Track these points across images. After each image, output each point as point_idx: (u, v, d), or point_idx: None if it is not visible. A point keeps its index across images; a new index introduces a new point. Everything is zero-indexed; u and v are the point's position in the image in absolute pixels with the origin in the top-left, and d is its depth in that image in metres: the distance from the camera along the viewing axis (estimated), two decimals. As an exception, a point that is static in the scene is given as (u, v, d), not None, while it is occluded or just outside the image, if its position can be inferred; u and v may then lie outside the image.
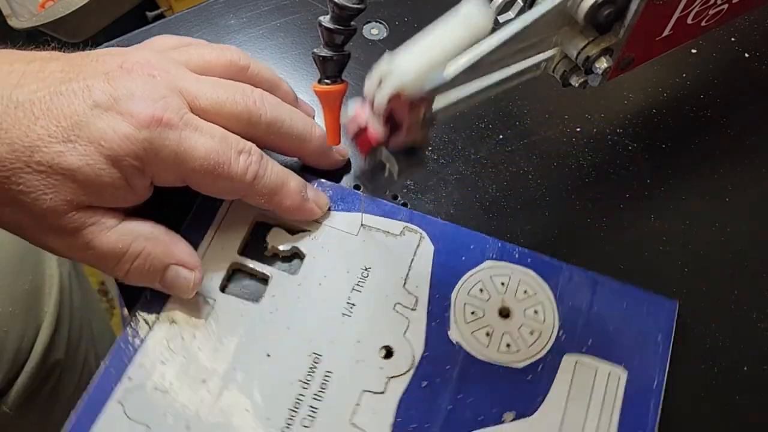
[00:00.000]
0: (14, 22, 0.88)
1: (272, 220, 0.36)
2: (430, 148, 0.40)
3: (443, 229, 0.36)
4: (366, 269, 0.35)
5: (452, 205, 0.38)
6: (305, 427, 0.31)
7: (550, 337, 0.33)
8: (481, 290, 0.34)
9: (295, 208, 0.35)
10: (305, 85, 0.43)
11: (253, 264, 0.35)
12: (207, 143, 0.32)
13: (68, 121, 0.30)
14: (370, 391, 0.32)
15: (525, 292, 0.34)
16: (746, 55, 0.45)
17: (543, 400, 0.32)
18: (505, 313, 0.34)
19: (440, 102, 0.29)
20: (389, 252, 0.35)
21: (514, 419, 0.31)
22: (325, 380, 0.32)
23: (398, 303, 0.34)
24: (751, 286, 0.37)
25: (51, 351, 0.51)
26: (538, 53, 0.31)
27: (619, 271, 0.37)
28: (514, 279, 0.35)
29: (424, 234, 0.36)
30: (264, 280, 0.35)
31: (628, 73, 0.33)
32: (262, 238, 0.36)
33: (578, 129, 0.41)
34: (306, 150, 0.36)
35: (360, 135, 0.28)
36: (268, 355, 0.32)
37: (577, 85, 0.32)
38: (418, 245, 0.36)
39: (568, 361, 0.33)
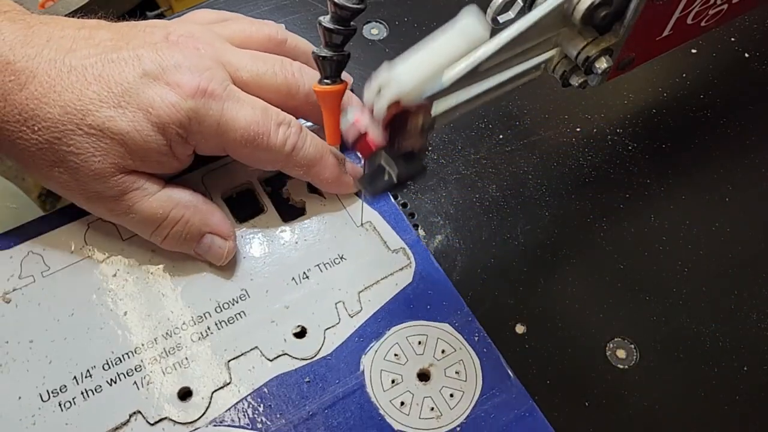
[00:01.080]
0: (14, 22, 0.88)
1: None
2: (430, 148, 0.40)
3: (433, 273, 0.35)
4: (341, 258, 0.36)
5: (452, 205, 0.38)
6: (192, 341, 0.33)
7: (449, 425, 0.31)
8: (420, 343, 0.33)
9: (333, 180, 0.36)
10: (305, 85, 0.43)
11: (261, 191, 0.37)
12: (248, 114, 0.33)
13: (119, 88, 0.31)
14: (261, 351, 0.33)
15: (457, 372, 0.32)
16: (746, 55, 0.45)
17: None
18: (424, 377, 0.32)
19: (439, 107, 0.29)
20: (371, 259, 0.36)
21: None
22: (235, 317, 0.33)
23: (342, 302, 0.34)
24: (751, 286, 0.37)
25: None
26: (537, 55, 0.31)
27: (619, 271, 0.37)
28: (457, 355, 0.33)
29: (413, 264, 0.35)
30: (260, 211, 0.37)
31: (628, 73, 0.33)
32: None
33: (578, 129, 0.41)
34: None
35: (360, 141, 0.28)
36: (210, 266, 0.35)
37: (577, 85, 0.32)
38: (401, 270, 0.35)
39: None
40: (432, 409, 0.32)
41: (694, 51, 0.45)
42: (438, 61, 0.26)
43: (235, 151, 0.34)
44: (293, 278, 0.35)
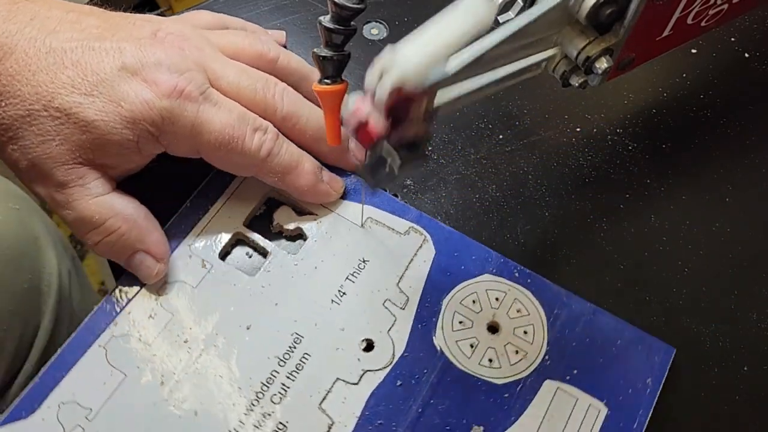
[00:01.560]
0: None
1: (284, 198, 0.37)
2: (430, 148, 0.40)
3: (448, 235, 0.36)
4: (363, 261, 0.35)
5: (452, 205, 0.38)
6: (274, 403, 0.31)
7: (535, 359, 0.33)
8: (474, 302, 0.34)
9: (308, 188, 0.35)
10: (305, 85, 0.43)
11: (255, 237, 0.35)
12: (224, 117, 0.33)
13: (94, 77, 0.31)
14: (343, 380, 0.32)
15: (518, 311, 0.34)
16: (746, 55, 0.45)
17: (515, 421, 0.32)
18: (493, 329, 0.34)
19: (442, 97, 0.28)
20: (390, 249, 0.36)
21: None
22: (301, 362, 0.32)
23: (388, 299, 0.34)
24: (751, 286, 0.37)
25: (50, 351, 0.51)
26: (539, 52, 0.31)
27: (619, 271, 0.37)
28: (509, 296, 0.34)
29: (428, 237, 0.36)
30: (264, 254, 0.35)
31: (628, 73, 0.33)
32: (271, 215, 0.36)
33: (578, 129, 0.41)
34: (321, 149, 0.37)
35: (361, 129, 0.27)
36: (248, 328, 0.33)
37: (577, 85, 0.32)
38: (420, 247, 0.36)
39: (549, 386, 0.32)
40: (516, 352, 0.33)
41: (694, 51, 0.45)
42: (442, 44, 0.25)
43: (209, 154, 0.33)
44: (332, 300, 0.34)
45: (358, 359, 0.33)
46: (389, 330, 0.33)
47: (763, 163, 0.40)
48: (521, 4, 0.30)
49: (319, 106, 0.35)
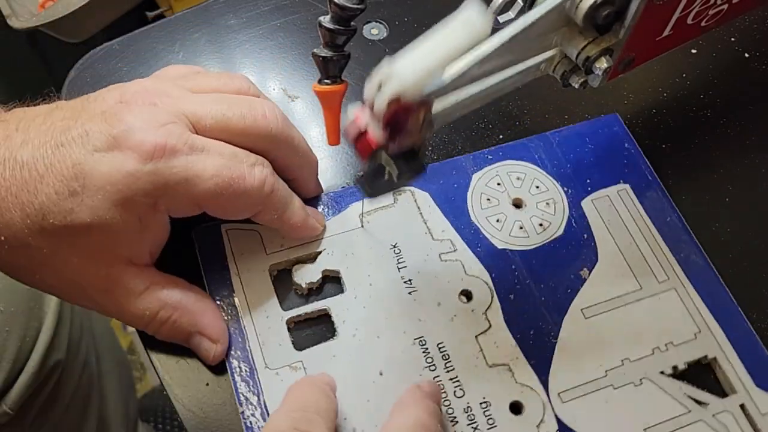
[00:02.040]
0: (14, 22, 0.88)
1: (285, 263, 0.35)
2: (430, 149, 0.40)
3: (424, 174, 0.36)
4: (393, 246, 0.36)
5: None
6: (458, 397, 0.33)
7: (562, 217, 0.37)
8: (498, 183, 0.38)
9: (301, 223, 0.34)
10: (305, 85, 0.43)
11: (304, 311, 0.34)
12: (216, 162, 0.31)
13: (71, 172, 0.29)
14: (481, 333, 0.34)
15: (537, 187, 0.38)
16: (746, 55, 0.45)
17: (596, 245, 0.36)
18: (518, 206, 0.38)
19: (440, 105, 0.29)
20: (399, 220, 0.37)
21: (589, 272, 0.35)
22: (443, 351, 0.33)
23: (441, 254, 0.35)
24: (751, 287, 0.37)
25: (52, 351, 0.51)
26: (538, 55, 0.31)
27: (619, 271, 0.37)
28: (528, 176, 0.38)
29: (413, 188, 0.38)
30: (324, 315, 0.35)
31: (628, 73, 0.33)
32: (288, 285, 0.35)
33: (578, 129, 0.41)
34: (303, 169, 0.36)
35: (360, 139, 0.28)
36: (381, 374, 0.32)
37: (577, 85, 0.32)
38: (416, 199, 0.37)
39: (586, 204, 0.37)
40: (540, 224, 0.37)
41: (694, 51, 0.45)
42: (439, 56, 0.26)
43: (210, 203, 0.31)
44: (409, 293, 0.34)
45: (472, 310, 0.34)
46: (466, 272, 0.35)
47: (763, 163, 0.40)
48: (521, 4, 0.30)
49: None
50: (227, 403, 0.33)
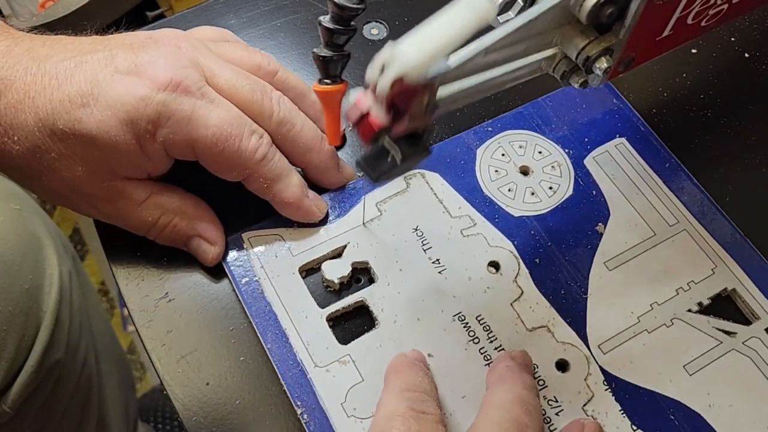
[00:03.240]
0: (14, 22, 0.88)
1: (313, 262, 0.36)
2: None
3: (431, 155, 0.37)
4: (415, 229, 0.36)
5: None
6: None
7: (569, 178, 0.38)
8: (503, 154, 0.39)
9: (294, 201, 0.35)
10: (305, 85, 0.43)
11: (341, 305, 0.35)
12: (221, 115, 0.32)
13: (88, 86, 0.31)
14: (515, 300, 0.35)
15: (540, 153, 0.39)
16: (746, 55, 0.45)
17: (605, 199, 0.38)
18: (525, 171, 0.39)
19: (444, 91, 0.28)
20: (415, 204, 0.37)
21: (605, 226, 0.37)
22: (482, 323, 0.34)
23: (462, 230, 0.36)
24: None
25: (51, 350, 0.51)
26: (539, 51, 0.31)
27: (619, 271, 0.37)
28: (530, 143, 0.39)
29: (422, 170, 0.38)
30: (361, 307, 0.35)
31: (628, 73, 0.33)
32: (319, 283, 0.36)
33: (578, 129, 0.41)
34: (310, 161, 0.36)
35: (362, 121, 0.27)
36: (431, 355, 0.33)
37: (577, 85, 0.32)
38: (427, 181, 0.38)
39: (589, 162, 0.39)
40: (550, 187, 0.38)
41: (694, 51, 0.45)
42: (444, 37, 0.25)
43: (205, 152, 0.33)
44: (439, 273, 0.35)
45: (499, 280, 0.35)
46: (490, 245, 0.36)
47: (763, 163, 0.40)
48: (521, 4, 0.30)
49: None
50: (227, 403, 0.33)
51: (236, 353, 0.34)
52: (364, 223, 0.36)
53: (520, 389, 0.30)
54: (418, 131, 0.28)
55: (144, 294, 0.35)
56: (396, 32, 0.45)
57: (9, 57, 0.32)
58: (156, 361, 0.34)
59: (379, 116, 0.27)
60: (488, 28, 0.27)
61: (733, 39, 0.45)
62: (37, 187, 0.34)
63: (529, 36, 0.29)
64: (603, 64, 0.30)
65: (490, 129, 0.40)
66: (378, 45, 0.44)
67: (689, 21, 0.32)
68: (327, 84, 0.34)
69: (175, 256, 0.36)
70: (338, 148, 0.39)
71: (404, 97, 0.26)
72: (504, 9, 0.30)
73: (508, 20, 0.30)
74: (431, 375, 0.32)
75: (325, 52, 0.33)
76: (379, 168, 0.29)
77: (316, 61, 0.34)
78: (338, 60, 0.33)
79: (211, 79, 0.33)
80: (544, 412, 0.32)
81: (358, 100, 0.27)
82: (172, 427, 0.89)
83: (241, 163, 0.33)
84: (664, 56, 0.34)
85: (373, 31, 0.45)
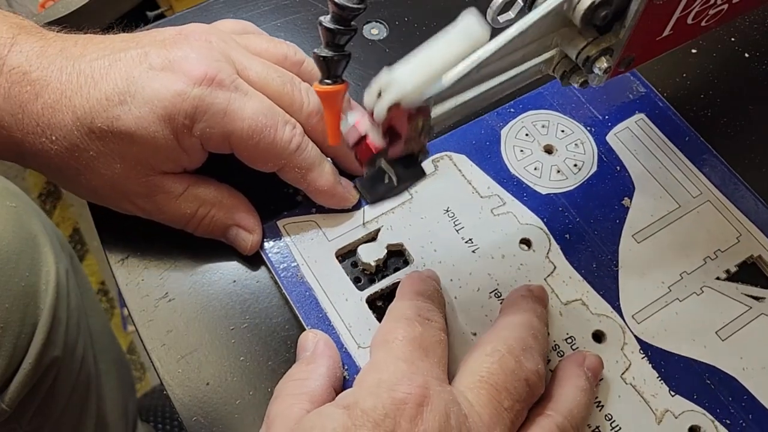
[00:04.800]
0: (14, 21, 0.88)
1: (349, 246, 0.36)
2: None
3: (455, 138, 0.40)
4: (446, 210, 0.37)
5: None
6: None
7: (592, 155, 0.39)
8: (527, 134, 0.40)
9: (328, 188, 0.36)
10: (305, 85, 0.43)
11: (379, 287, 0.35)
12: (255, 107, 0.33)
13: (124, 83, 0.32)
14: (548, 276, 0.35)
15: (563, 131, 0.40)
16: (746, 55, 0.45)
17: (629, 174, 0.39)
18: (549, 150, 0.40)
19: (439, 109, 0.29)
20: (444, 186, 0.38)
21: (630, 200, 0.38)
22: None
23: (492, 209, 0.37)
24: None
25: (48, 348, 0.51)
26: (537, 56, 0.31)
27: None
28: (552, 122, 0.40)
29: (449, 153, 0.39)
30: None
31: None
32: (354, 266, 0.36)
33: (578, 129, 0.41)
34: (339, 150, 0.37)
35: (360, 143, 0.28)
36: (474, 333, 0.34)
37: (577, 85, 0.32)
38: (455, 163, 0.39)
39: (611, 138, 0.40)
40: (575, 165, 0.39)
41: (694, 51, 0.45)
42: (438, 63, 0.26)
43: (240, 144, 0.34)
44: (473, 252, 0.36)
45: (532, 257, 0.36)
46: (520, 222, 0.37)
47: (764, 163, 0.40)
48: (521, 4, 0.30)
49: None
50: (227, 403, 0.33)
51: (236, 353, 0.34)
52: (363, 224, 0.36)
53: (530, 315, 0.31)
54: (414, 153, 0.29)
55: (144, 294, 0.35)
56: (396, 32, 0.45)
57: (43, 58, 0.32)
58: (156, 361, 0.34)
59: (377, 139, 0.28)
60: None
61: (733, 39, 0.45)
62: (75, 187, 0.34)
63: (526, 44, 0.29)
64: (603, 64, 0.30)
65: (512, 110, 0.41)
66: (378, 45, 0.44)
67: (689, 21, 0.32)
68: (327, 84, 0.34)
69: (175, 256, 0.36)
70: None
71: (400, 121, 0.27)
72: (504, 9, 0.30)
73: (507, 20, 0.30)
74: (442, 292, 0.33)
75: (325, 53, 0.33)
76: (375, 191, 0.31)
77: (316, 61, 0.34)
78: (339, 60, 0.33)
79: (242, 72, 0.34)
80: None
81: (357, 122, 0.28)
82: (172, 427, 0.89)
83: (276, 154, 0.34)
84: (664, 56, 0.34)
85: (373, 31, 0.45)
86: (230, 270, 0.36)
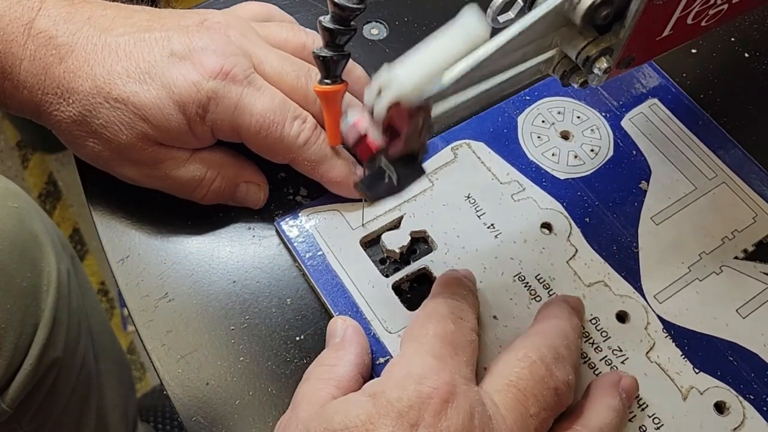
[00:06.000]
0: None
1: (372, 234, 0.36)
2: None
3: (473, 126, 0.40)
4: (467, 197, 0.38)
5: (452, 204, 0.38)
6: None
7: (609, 140, 0.40)
8: (543, 121, 0.40)
9: (341, 180, 0.36)
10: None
11: (404, 273, 0.36)
12: (266, 102, 0.34)
13: (146, 65, 0.33)
14: (570, 258, 0.36)
15: (578, 117, 0.41)
16: (746, 55, 0.45)
17: (645, 158, 0.39)
18: (565, 136, 0.40)
19: (439, 109, 0.29)
20: (464, 173, 0.38)
21: (647, 183, 0.39)
22: (542, 282, 0.35)
23: (512, 195, 0.38)
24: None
25: (49, 349, 0.51)
26: (537, 56, 0.31)
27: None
28: (567, 109, 0.41)
29: (468, 140, 0.40)
30: (422, 275, 0.36)
31: (628, 73, 0.33)
32: (378, 254, 0.36)
33: (578, 129, 0.41)
34: None
35: (360, 143, 0.28)
36: (495, 317, 0.34)
37: (577, 85, 0.32)
38: (473, 150, 0.39)
39: (626, 123, 0.41)
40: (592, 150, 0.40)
41: (694, 51, 0.45)
42: (438, 61, 0.26)
43: (249, 137, 0.35)
44: (495, 236, 0.36)
45: (553, 240, 0.37)
46: (540, 207, 0.37)
47: (764, 163, 0.40)
48: (521, 4, 0.30)
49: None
50: (227, 403, 0.33)
51: (236, 353, 0.34)
52: (363, 224, 0.36)
53: (565, 325, 0.31)
54: (414, 152, 0.29)
55: (144, 294, 0.35)
56: (396, 32, 0.45)
57: (71, 23, 0.33)
58: (156, 361, 0.34)
59: (377, 138, 0.28)
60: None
61: (733, 39, 0.45)
62: (82, 149, 0.35)
63: (526, 43, 0.29)
64: (603, 64, 0.30)
65: (528, 97, 0.41)
66: (378, 45, 0.44)
67: (689, 21, 0.32)
68: (327, 84, 0.34)
69: (175, 256, 0.36)
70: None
71: (400, 120, 0.27)
72: (504, 9, 0.30)
73: (507, 20, 0.30)
74: (476, 293, 0.34)
75: (325, 53, 0.33)
76: (376, 189, 0.30)
77: (316, 61, 0.34)
78: (338, 60, 0.33)
79: (259, 66, 0.35)
80: (610, 362, 0.33)
81: (357, 121, 0.28)
82: (172, 427, 0.89)
83: (284, 148, 0.35)
84: (664, 56, 0.34)
85: (373, 31, 0.45)
86: (230, 270, 0.36)
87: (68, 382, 0.56)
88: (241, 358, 0.34)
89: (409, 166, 0.29)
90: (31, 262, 0.50)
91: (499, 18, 0.30)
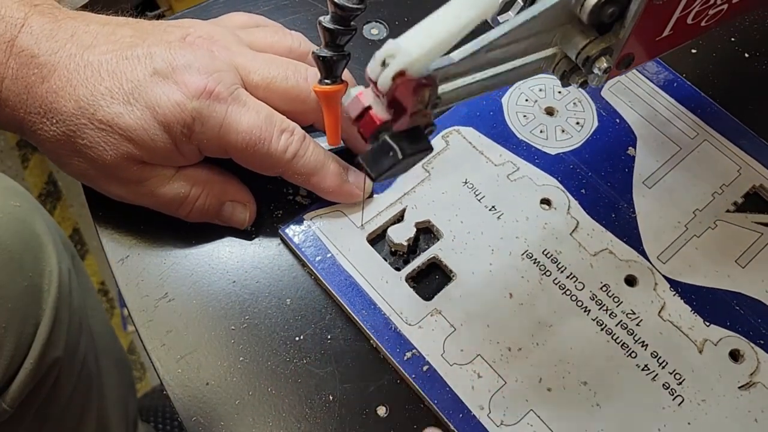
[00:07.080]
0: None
1: (378, 230, 0.37)
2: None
3: (460, 113, 0.41)
4: (465, 182, 0.38)
5: (452, 204, 0.38)
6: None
7: (592, 111, 0.41)
8: (526, 99, 0.41)
9: (334, 189, 0.36)
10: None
11: (415, 265, 0.36)
12: (251, 119, 0.33)
13: (129, 85, 0.32)
14: (573, 231, 0.37)
15: (560, 92, 0.42)
16: (746, 55, 0.45)
17: (629, 125, 0.41)
18: (550, 112, 0.41)
19: (446, 87, 0.28)
20: (458, 159, 0.39)
21: (635, 149, 0.40)
22: (549, 257, 0.36)
23: (508, 175, 0.39)
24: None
25: (50, 348, 0.51)
26: (539, 51, 0.31)
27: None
28: (548, 85, 0.42)
29: (457, 127, 0.40)
30: (433, 264, 0.36)
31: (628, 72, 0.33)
32: (385, 248, 0.37)
33: (578, 129, 0.41)
34: (351, 132, 0.37)
35: (363, 116, 0.26)
36: (511, 295, 0.35)
37: (576, 85, 0.32)
38: (464, 136, 0.40)
39: (606, 93, 0.42)
40: (577, 122, 0.41)
41: (694, 51, 0.45)
42: (446, 30, 0.25)
43: (236, 154, 0.34)
44: (498, 218, 0.37)
45: (552, 216, 0.38)
46: (537, 185, 0.38)
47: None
48: (521, 3, 0.30)
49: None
50: (227, 403, 0.33)
51: (236, 353, 0.34)
52: (362, 225, 0.36)
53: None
54: (420, 127, 0.28)
55: (144, 294, 0.35)
56: (396, 32, 0.45)
57: (53, 41, 0.33)
58: (156, 361, 0.34)
59: (381, 111, 0.26)
60: (490, 26, 0.27)
61: (733, 39, 0.45)
62: (68, 167, 0.35)
63: (531, 34, 0.29)
64: (603, 64, 0.30)
65: None
66: (378, 45, 0.44)
67: (689, 21, 0.32)
68: (327, 84, 0.34)
69: (175, 256, 0.36)
70: (339, 148, 0.39)
71: (406, 91, 0.25)
72: (504, 9, 0.30)
73: (507, 20, 0.30)
74: None
75: (325, 53, 0.33)
76: (379, 166, 0.28)
77: (316, 61, 0.34)
78: (338, 60, 0.33)
79: (246, 77, 0.35)
80: (625, 326, 0.34)
81: (360, 94, 0.26)
82: (172, 427, 0.89)
83: (272, 163, 0.35)
84: (664, 56, 0.34)
85: (373, 31, 0.45)
86: (230, 270, 0.36)
87: (69, 381, 0.56)
88: (241, 358, 0.34)
89: (416, 142, 0.27)
90: (33, 261, 0.50)
91: (498, 18, 0.30)
